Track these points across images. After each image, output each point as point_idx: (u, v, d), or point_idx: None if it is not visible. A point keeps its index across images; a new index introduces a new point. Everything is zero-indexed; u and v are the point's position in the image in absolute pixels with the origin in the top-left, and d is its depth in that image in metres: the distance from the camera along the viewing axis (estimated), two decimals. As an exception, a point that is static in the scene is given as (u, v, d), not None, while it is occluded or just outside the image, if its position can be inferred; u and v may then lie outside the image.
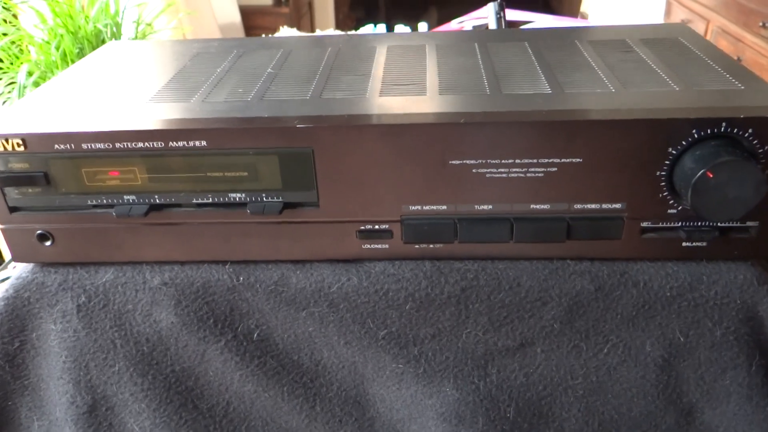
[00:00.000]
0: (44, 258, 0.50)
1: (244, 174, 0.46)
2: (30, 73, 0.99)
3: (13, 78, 1.03)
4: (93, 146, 0.45)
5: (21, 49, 1.05)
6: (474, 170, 0.45)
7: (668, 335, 0.48)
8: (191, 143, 0.45)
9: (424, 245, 0.48)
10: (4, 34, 0.99)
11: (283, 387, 0.52)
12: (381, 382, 0.52)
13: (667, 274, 0.47)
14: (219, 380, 0.52)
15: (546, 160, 0.44)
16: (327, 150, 0.45)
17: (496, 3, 0.91)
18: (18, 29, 1.00)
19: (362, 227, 0.48)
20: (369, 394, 0.53)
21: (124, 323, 0.51)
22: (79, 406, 0.52)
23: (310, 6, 3.47)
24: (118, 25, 1.03)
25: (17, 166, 0.46)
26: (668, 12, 2.41)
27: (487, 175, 0.45)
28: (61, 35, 0.97)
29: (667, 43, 0.58)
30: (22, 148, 0.45)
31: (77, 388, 0.52)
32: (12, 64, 1.03)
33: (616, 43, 0.58)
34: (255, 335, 0.51)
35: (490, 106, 0.46)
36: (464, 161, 0.44)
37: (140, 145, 0.45)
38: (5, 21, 1.02)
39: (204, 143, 0.45)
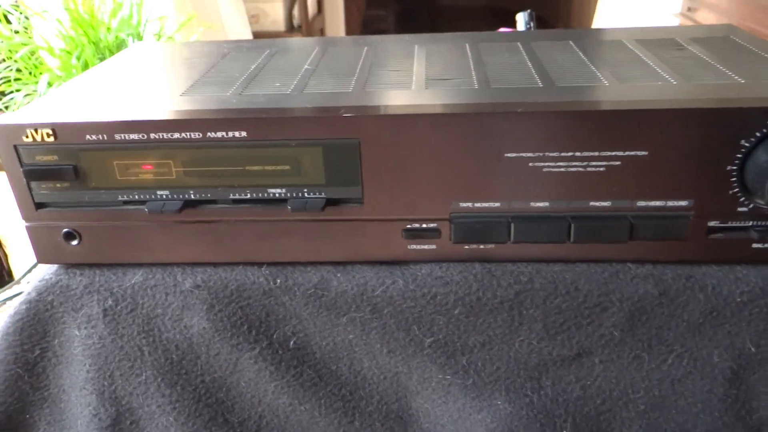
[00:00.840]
0: (70, 258, 0.48)
1: (285, 168, 0.43)
2: (50, 84, 0.98)
3: (33, 90, 1.01)
4: (126, 137, 0.42)
5: (41, 61, 1.04)
6: (530, 164, 0.42)
7: (738, 345, 0.45)
8: (230, 134, 0.42)
9: (474, 246, 0.45)
10: (23, 44, 0.98)
11: (320, 400, 0.49)
12: (426, 395, 0.48)
13: (736, 278, 0.44)
14: (252, 392, 0.49)
15: (609, 153, 0.41)
16: (374, 141, 0.42)
17: (526, 13, 0.90)
18: (30, 38, 0.99)
19: (408, 226, 0.45)
20: (412, 408, 0.49)
21: (152, 329, 0.48)
22: (102, 419, 0.49)
23: (322, 32, 3.50)
24: (139, 37, 1.01)
25: (45, 158, 0.44)
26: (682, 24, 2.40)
27: (545, 170, 0.42)
28: (83, 45, 0.96)
29: (719, 40, 0.56)
30: (51, 139, 0.43)
31: (101, 399, 0.49)
32: (31, 74, 1.01)
33: (666, 41, 0.56)
34: (291, 343, 0.48)
35: (545, 97, 0.43)
36: (520, 154, 0.42)
37: (176, 135, 0.42)
38: (25, 29, 1.01)
39: (244, 134, 0.42)
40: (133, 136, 0.42)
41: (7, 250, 1.40)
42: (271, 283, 0.47)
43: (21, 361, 0.49)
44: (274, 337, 0.48)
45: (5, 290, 0.79)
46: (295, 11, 2.76)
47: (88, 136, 0.43)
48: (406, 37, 0.61)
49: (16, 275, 1.39)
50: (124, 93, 0.49)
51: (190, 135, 0.42)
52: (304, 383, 0.48)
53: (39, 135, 0.43)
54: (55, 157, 0.44)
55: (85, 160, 0.43)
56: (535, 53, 0.54)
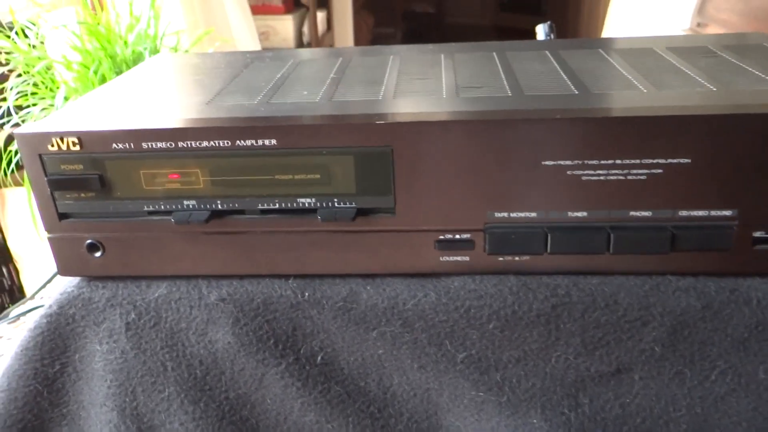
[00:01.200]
0: (93, 271, 0.46)
1: (315, 176, 0.42)
2: (66, 98, 0.98)
3: (50, 104, 1.01)
4: (153, 145, 0.42)
5: (56, 76, 1.04)
6: (569, 172, 0.41)
7: (784, 360, 0.43)
8: (260, 142, 0.41)
9: (509, 257, 0.44)
10: (40, 59, 0.98)
11: (348, 417, 0.47)
12: (458, 413, 0.46)
13: (782, 291, 0.43)
14: (277, 409, 0.47)
15: (650, 161, 0.40)
16: (407, 149, 0.41)
17: (546, 25, 0.89)
18: (45, 52, 0.99)
19: (441, 237, 0.44)
20: (443, 427, 0.47)
21: (176, 343, 0.46)
22: (123, 437, 0.47)
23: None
24: (156, 51, 1.01)
25: (70, 168, 0.43)
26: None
27: (583, 178, 0.41)
28: (99, 59, 0.95)
29: (751, 47, 0.55)
30: (77, 148, 0.42)
31: (122, 416, 0.47)
32: (48, 88, 1.01)
33: (698, 49, 0.55)
34: (319, 358, 0.46)
35: (581, 104, 0.42)
36: (558, 162, 0.40)
37: (204, 144, 0.41)
38: (41, 44, 1.01)
39: (274, 142, 0.41)
40: (160, 145, 0.41)
41: (18, 266, 1.39)
42: (299, 296, 0.45)
43: (40, 377, 0.48)
44: (301, 352, 0.46)
45: (19, 306, 0.78)
46: (305, 28, 2.78)
47: (114, 145, 0.42)
48: (430, 46, 0.60)
49: (27, 291, 1.38)
50: (149, 102, 0.48)
51: (218, 143, 0.41)
52: (331, 400, 0.47)
53: (65, 143, 0.42)
54: (81, 167, 0.43)
55: (110, 169, 0.43)
56: (565, 61, 0.53)
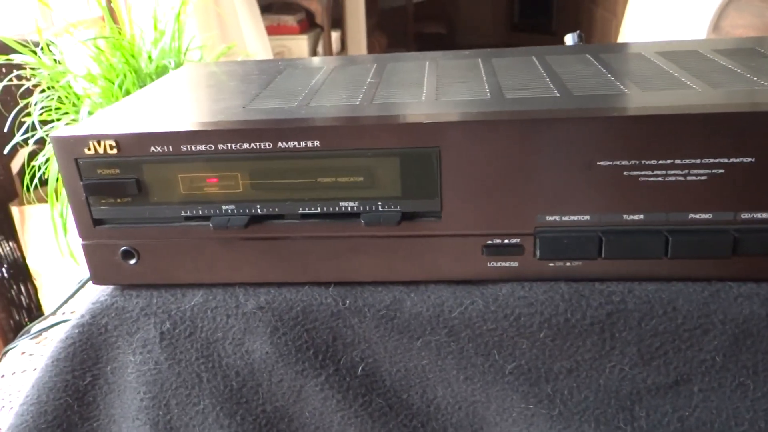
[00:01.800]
0: (127, 279, 0.45)
1: (359, 179, 0.41)
2: (91, 112, 0.97)
3: (73, 119, 1.01)
4: (193, 148, 0.40)
5: (79, 95, 1.04)
6: (625, 173, 0.39)
7: None
8: (303, 144, 0.40)
9: (560, 263, 0.42)
10: (63, 73, 0.98)
11: (389, 431, 0.45)
12: (506, 427, 0.44)
13: None
14: (316, 422, 0.45)
15: (711, 161, 0.38)
16: (455, 150, 0.39)
17: (575, 35, 0.88)
18: (66, 67, 0.99)
19: (489, 242, 0.42)
20: (490, 442, 0.45)
21: (212, 354, 0.45)
22: (156, 452, 0.46)
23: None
24: (181, 65, 1.01)
25: (107, 172, 0.42)
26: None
27: (640, 179, 0.39)
28: (124, 73, 0.95)
29: (800, 50, 0.53)
30: (114, 151, 0.41)
31: (155, 430, 0.45)
32: (72, 103, 1.01)
33: (744, 51, 0.53)
34: (360, 369, 0.44)
35: (635, 102, 0.41)
36: (614, 162, 0.39)
37: (245, 146, 0.40)
38: (60, 61, 1.01)
39: (317, 143, 0.40)
40: (200, 147, 0.40)
41: (37, 283, 1.38)
42: (340, 304, 0.44)
43: (71, 389, 0.46)
44: (342, 362, 0.44)
45: (41, 321, 0.77)
46: (320, 48, 2.79)
47: (152, 148, 0.41)
48: (465, 52, 0.59)
49: (45, 308, 1.38)
50: (185, 106, 0.47)
51: (260, 145, 0.40)
52: (372, 413, 0.45)
53: (102, 147, 0.41)
54: (117, 171, 0.41)
55: (148, 173, 0.41)
56: (608, 64, 0.51)
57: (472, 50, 0.60)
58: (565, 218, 0.41)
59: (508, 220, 0.41)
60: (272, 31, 2.45)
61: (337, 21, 2.96)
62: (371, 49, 3.35)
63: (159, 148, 0.41)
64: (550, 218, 0.41)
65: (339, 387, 0.44)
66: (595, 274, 0.42)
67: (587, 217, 0.40)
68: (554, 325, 0.42)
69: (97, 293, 0.46)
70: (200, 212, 0.42)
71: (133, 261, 0.44)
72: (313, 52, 2.81)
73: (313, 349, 0.44)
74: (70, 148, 0.41)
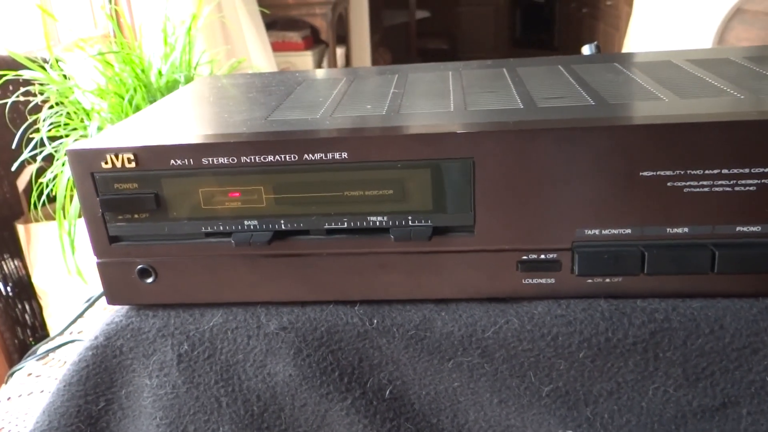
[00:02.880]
0: (143, 299, 0.43)
1: (388, 192, 0.39)
2: (100, 128, 0.96)
3: (81, 135, 0.99)
4: (214, 161, 0.39)
5: (88, 111, 1.02)
6: (669, 183, 0.37)
7: None
8: (329, 155, 0.38)
9: (600, 279, 0.40)
10: (71, 89, 0.97)
11: (419, 458, 0.43)
12: (542, 453, 0.42)
13: None
14: (342, 449, 0.43)
15: (761, 170, 0.36)
16: (490, 160, 0.37)
17: (592, 45, 0.86)
18: (73, 83, 0.98)
19: (524, 257, 0.40)
20: (526, 469, 0.43)
21: (232, 377, 0.42)
22: (173, 481, 0.43)
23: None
24: (192, 79, 1.00)
25: (124, 187, 0.40)
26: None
27: (685, 190, 0.37)
28: (134, 88, 0.94)
29: (836, 58, 0.51)
30: (133, 165, 0.39)
31: (171, 457, 0.43)
32: (80, 120, 0.99)
33: (777, 58, 0.52)
34: (387, 392, 0.42)
35: (677, 110, 0.39)
36: (658, 172, 0.37)
37: (269, 159, 0.38)
38: (69, 76, 1.00)
39: (345, 155, 0.38)
40: (222, 160, 0.39)
41: (43, 302, 1.36)
42: (367, 323, 0.42)
43: (84, 415, 0.44)
44: (368, 385, 0.42)
45: (48, 342, 0.75)
46: (324, 64, 2.80)
47: (172, 161, 0.39)
48: (488, 62, 0.58)
49: (50, 328, 1.35)
50: (204, 118, 0.45)
51: (284, 158, 0.38)
52: (401, 439, 0.42)
53: (119, 161, 0.39)
54: (135, 185, 0.40)
55: (167, 187, 0.40)
56: (639, 72, 0.49)
57: (494, 60, 0.58)
58: (605, 232, 0.39)
59: (545, 234, 0.39)
60: (277, 47, 2.45)
61: (342, 37, 2.97)
62: (375, 64, 3.35)
63: (179, 161, 0.39)
64: (589, 232, 0.39)
65: (366, 411, 0.42)
66: (637, 290, 0.40)
67: (628, 231, 0.38)
68: (594, 345, 0.39)
69: (112, 314, 0.44)
70: (221, 228, 0.40)
71: (150, 279, 0.42)
72: (318, 68, 2.81)
73: (338, 372, 0.42)
74: (87, 161, 0.39)
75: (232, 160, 0.38)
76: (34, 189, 1.00)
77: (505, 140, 0.37)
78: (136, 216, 0.41)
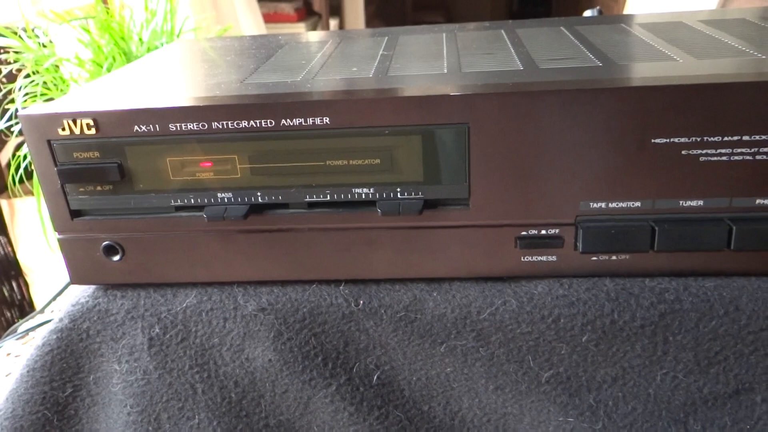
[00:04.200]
0: (110, 278, 0.40)
1: (375, 162, 0.35)
2: (79, 99, 0.91)
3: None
4: (183, 127, 0.35)
5: (66, 80, 0.98)
6: (684, 152, 0.34)
7: None
8: (310, 121, 0.34)
9: (605, 256, 0.37)
10: (47, 57, 0.92)
11: (409, 448, 0.40)
12: (541, 442, 0.39)
13: None
14: (326, 438, 0.40)
15: (785, 136, 0.33)
16: (486, 127, 0.34)
17: (595, 10, 0.82)
18: (52, 50, 0.93)
19: (523, 233, 0.37)
20: (523, 459, 0.40)
21: (207, 362, 0.39)
22: (146, 473, 0.40)
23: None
24: (173, 47, 0.95)
25: (84, 155, 0.36)
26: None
27: (701, 159, 0.34)
28: (113, 56, 0.89)
29: None
30: (93, 131, 0.35)
31: (144, 448, 0.40)
32: (58, 89, 0.95)
33: (797, 19, 0.48)
34: (374, 378, 0.39)
35: (692, 70, 0.35)
36: (671, 139, 0.33)
37: (244, 124, 0.35)
38: (51, 42, 0.95)
39: (326, 120, 0.34)
40: (192, 126, 0.35)
41: (29, 279, 1.33)
42: (352, 304, 0.38)
43: (49, 402, 0.41)
44: (354, 370, 0.39)
45: (27, 320, 0.72)
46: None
47: (136, 127, 0.35)
48: (486, 23, 0.54)
49: (37, 305, 1.32)
50: (174, 82, 0.42)
51: (260, 123, 0.35)
52: (389, 427, 0.40)
53: (78, 127, 0.35)
54: (97, 154, 0.36)
55: (132, 156, 0.36)
56: (649, 32, 0.46)
57: (492, 21, 0.54)
58: (612, 205, 0.35)
59: (546, 207, 0.36)
60: (269, 18, 2.39)
61: (335, 9, 2.90)
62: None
63: (144, 128, 0.35)
64: (594, 205, 0.35)
65: (351, 398, 0.39)
66: (645, 269, 0.37)
67: (638, 204, 0.35)
68: (598, 328, 0.36)
69: (77, 294, 0.41)
70: (192, 201, 0.37)
71: (116, 257, 0.39)
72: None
73: (321, 356, 0.39)
74: (42, 128, 0.36)
75: (203, 125, 0.35)
76: (12, 163, 0.96)
77: (503, 103, 0.33)
78: (98, 188, 0.37)
